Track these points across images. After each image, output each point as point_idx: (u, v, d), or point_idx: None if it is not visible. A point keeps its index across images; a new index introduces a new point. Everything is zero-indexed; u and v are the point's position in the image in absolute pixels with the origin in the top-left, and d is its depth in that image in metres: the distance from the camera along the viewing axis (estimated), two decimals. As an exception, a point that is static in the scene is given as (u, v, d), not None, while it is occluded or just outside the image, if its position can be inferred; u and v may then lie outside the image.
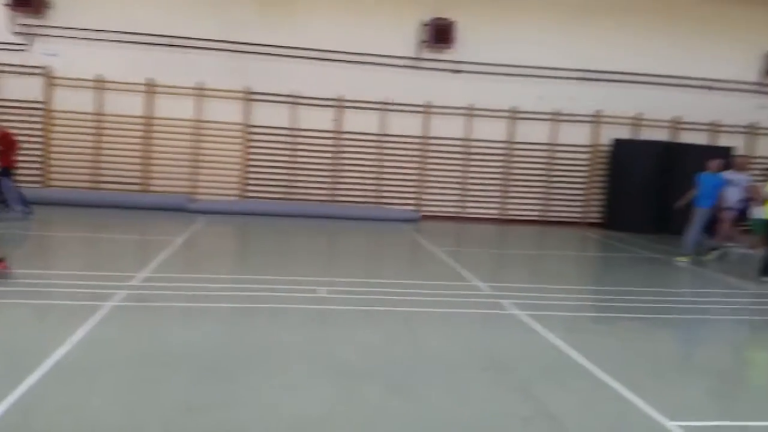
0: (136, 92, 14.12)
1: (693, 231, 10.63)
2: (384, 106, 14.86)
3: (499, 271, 9.87)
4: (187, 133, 14.35)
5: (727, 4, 15.44)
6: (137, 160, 14.29)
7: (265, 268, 8.44)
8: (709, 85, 15.65)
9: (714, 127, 15.90)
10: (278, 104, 14.56)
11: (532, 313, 6.51)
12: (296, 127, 14.68)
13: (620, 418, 4.07)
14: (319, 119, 14.72)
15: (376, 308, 6.52)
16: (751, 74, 15.88)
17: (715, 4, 15.41)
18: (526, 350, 5.44)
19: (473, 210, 15.48)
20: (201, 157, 14.46)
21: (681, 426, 3.93)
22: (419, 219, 14.70)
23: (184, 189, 14.40)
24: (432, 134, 15.10)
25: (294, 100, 14.57)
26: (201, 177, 14.50)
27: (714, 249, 11.03)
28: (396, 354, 5.12)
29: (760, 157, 15.66)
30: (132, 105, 14.11)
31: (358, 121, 14.84)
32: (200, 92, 14.26)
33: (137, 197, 14.00)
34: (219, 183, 14.54)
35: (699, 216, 10.64)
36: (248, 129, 14.53)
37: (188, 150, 14.39)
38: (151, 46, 13.97)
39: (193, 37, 14.03)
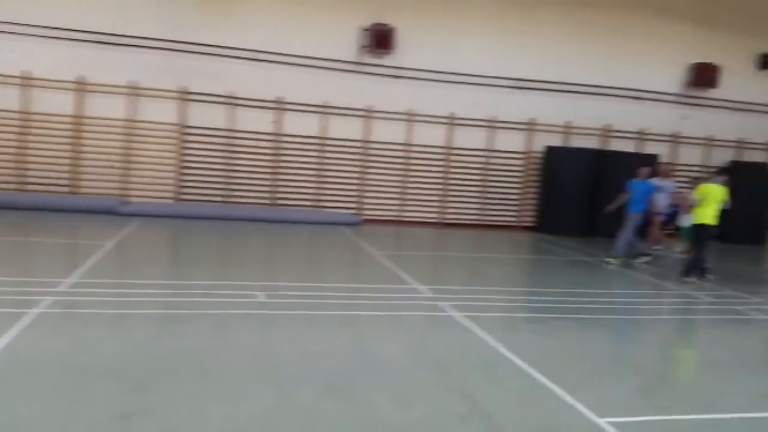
0: (65, 90, 13.54)
1: (625, 235, 11.09)
2: (324, 110, 14.83)
3: (438, 274, 10.00)
4: (119, 133, 13.87)
5: (653, 20, 16.25)
6: (66, 161, 13.71)
7: (201, 273, 8.26)
8: (637, 96, 16.40)
9: (641, 136, 16.66)
10: (215, 105, 14.28)
11: (470, 315, 6.64)
12: (234, 128, 14.44)
13: (553, 416, 4.20)
14: (258, 121, 14.52)
15: (315, 312, 6.49)
16: (675, 86, 16.74)
17: (642, 19, 16.18)
18: (464, 351, 5.54)
19: (413, 214, 15.63)
20: (133, 158, 14.01)
21: (610, 422, 4.09)
22: (360, 223, 14.73)
23: (116, 191, 13.92)
24: (373, 138, 15.17)
25: (232, 101, 14.33)
26: (133, 179, 14.05)
27: (644, 254, 11.54)
28: (335, 357, 5.11)
29: (682, 165, 16.51)
30: (61, 103, 13.52)
31: (298, 124, 14.73)
32: (133, 91, 13.82)
33: (66, 199, 13.39)
34: (152, 185, 14.11)
35: (631, 221, 11.12)
36: (183, 130, 14.19)
37: (120, 150, 13.91)
38: (82, 43, 13.43)
39: (126, 34, 13.59)
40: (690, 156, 16.95)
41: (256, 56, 14.23)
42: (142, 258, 9.49)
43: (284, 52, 14.36)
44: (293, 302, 6.84)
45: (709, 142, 17.08)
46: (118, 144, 13.88)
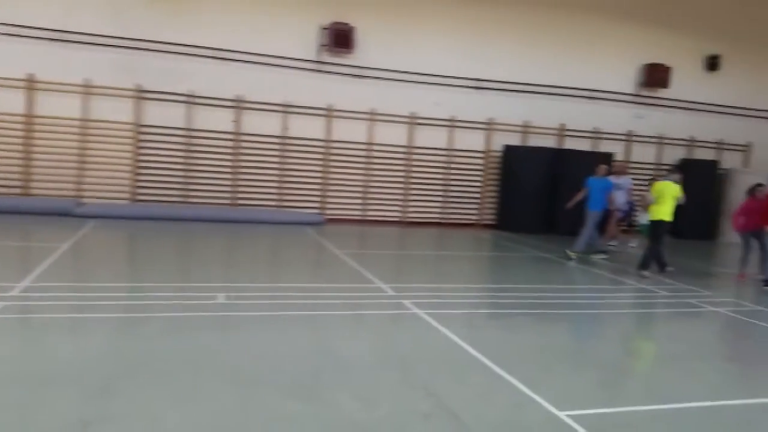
0: (15, 88, 13.10)
1: (587, 232, 11.35)
2: (285, 109, 14.71)
3: (401, 273, 10.04)
4: (72, 133, 13.50)
5: (607, 21, 16.65)
6: (17, 162, 13.27)
7: (160, 275, 8.10)
8: (591, 96, 16.78)
9: (596, 135, 17.05)
10: (173, 104, 14.02)
11: (433, 312, 6.69)
12: (192, 127, 14.20)
13: (515, 410, 4.27)
14: (218, 120, 14.32)
15: (278, 313, 6.44)
16: (628, 86, 17.19)
17: (597, 21, 16.57)
18: (428, 348, 5.58)
19: (376, 213, 15.66)
20: (88, 158, 13.65)
21: (570, 415, 4.18)
22: (323, 222, 14.66)
23: (70, 192, 13.54)
24: (334, 138, 15.12)
25: (190, 100, 14.10)
26: (88, 179, 13.69)
27: (602, 251, 11.81)
28: (298, 357, 5.08)
29: (636, 163, 16.96)
30: (11, 102, 13.08)
31: (258, 123, 14.58)
32: (87, 90, 13.46)
33: (18, 201, 12.95)
34: (108, 185, 13.78)
35: (592, 218, 11.38)
36: (139, 129, 13.88)
37: (74, 151, 13.54)
38: (33, 40, 13.02)
39: (78, 31, 13.24)
40: (643, 154, 17.43)
41: (215, 54, 14.04)
42: (98, 260, 9.26)
43: (243, 50, 14.21)
44: (255, 303, 6.78)
45: (661, 141, 17.60)
46: (72, 144, 13.51)
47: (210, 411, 3.91)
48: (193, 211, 13.79)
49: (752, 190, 10.30)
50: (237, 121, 14.44)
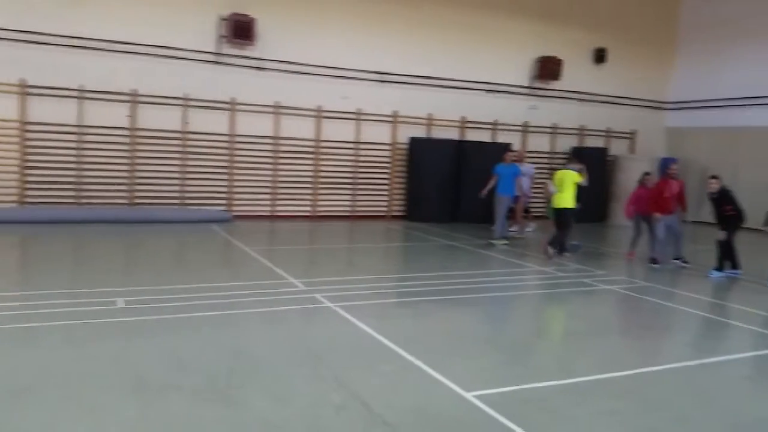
0: None
1: (500, 217, 11.86)
2: (185, 102, 14.20)
3: (313, 267, 10.00)
4: (-54, 132, 12.41)
5: (503, 17, 17.27)
6: None
7: (54, 282, 7.62)
8: (490, 89, 17.37)
9: (494, 126, 17.68)
10: (62, 99, 13.16)
11: (345, 304, 6.74)
12: (84, 123, 13.41)
13: (424, 396, 4.40)
14: (112, 116, 13.57)
15: (185, 315, 6.24)
16: (523, 79, 17.94)
17: (493, 17, 17.14)
18: (340, 340, 5.63)
19: (285, 208, 15.47)
20: (-33, 160, 12.60)
21: (476, 395, 4.36)
22: (230, 219, 14.30)
23: (-53, 196, 12.44)
24: (238, 132, 14.76)
25: (81, 95, 13.29)
26: (-32, 182, 12.64)
27: (504, 237, 12.32)
28: (206, 360, 4.96)
29: (532, 152, 17.74)
30: None
31: (156, 118, 13.95)
32: (-38, 85, 12.41)
33: None
34: (-8, 188, 12.78)
35: (504, 204, 11.91)
36: (25, 126, 12.95)
37: (-51, 151, 12.45)
38: None
39: (-51, 20, 12.15)
40: (538, 144, 18.28)
41: (106, 46, 13.30)
42: (-18, 269, 8.58)
43: (138, 41, 13.55)
44: (158, 306, 6.53)
45: (554, 130, 18.51)
46: (-55, 144, 12.41)
47: (114, 423, 3.75)
48: (88, 213, 13.03)
49: (642, 180, 11.13)
50: (132, 116, 13.77)
